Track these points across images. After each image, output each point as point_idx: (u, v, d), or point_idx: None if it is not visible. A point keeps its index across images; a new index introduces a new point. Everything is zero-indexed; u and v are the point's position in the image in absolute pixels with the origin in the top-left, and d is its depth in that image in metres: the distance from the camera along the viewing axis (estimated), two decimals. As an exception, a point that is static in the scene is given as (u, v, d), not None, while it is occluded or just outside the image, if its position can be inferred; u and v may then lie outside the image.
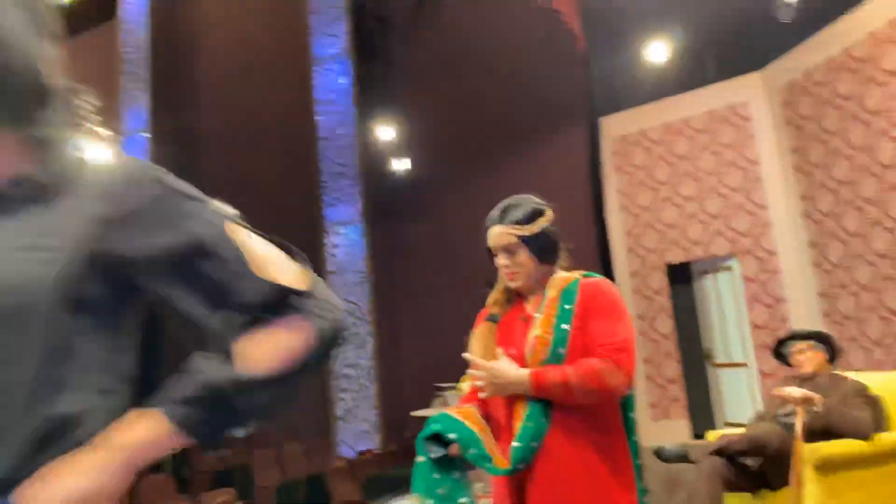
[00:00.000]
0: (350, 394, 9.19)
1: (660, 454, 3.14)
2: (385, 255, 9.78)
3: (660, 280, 7.50)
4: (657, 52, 7.13)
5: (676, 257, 7.42)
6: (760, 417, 3.35)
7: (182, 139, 11.00)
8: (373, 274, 9.43)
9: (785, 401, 2.98)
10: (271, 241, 0.82)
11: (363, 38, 10.14)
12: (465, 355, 1.53)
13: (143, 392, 0.74)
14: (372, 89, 10.06)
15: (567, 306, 1.51)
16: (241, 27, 10.96)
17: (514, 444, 1.44)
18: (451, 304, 8.82)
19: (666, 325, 7.38)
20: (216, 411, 0.69)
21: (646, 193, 7.65)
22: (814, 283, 6.54)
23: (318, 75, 10.19)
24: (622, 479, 1.45)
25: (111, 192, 0.73)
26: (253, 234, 0.83)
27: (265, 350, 0.72)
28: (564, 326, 1.49)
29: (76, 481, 0.64)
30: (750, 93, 7.09)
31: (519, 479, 1.45)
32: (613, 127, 7.95)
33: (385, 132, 9.48)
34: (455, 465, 1.48)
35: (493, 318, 1.63)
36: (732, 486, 2.99)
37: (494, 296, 1.67)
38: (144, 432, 0.68)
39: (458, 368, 5.80)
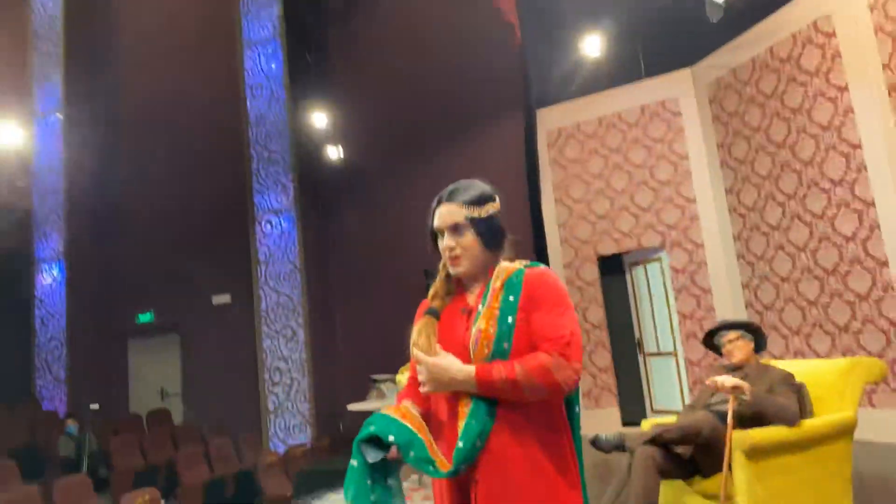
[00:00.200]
0: (282, 387, 8.96)
1: (595, 443, 3.15)
2: (318, 245, 9.56)
3: (592, 271, 7.62)
4: (592, 46, 7.21)
5: (608, 249, 7.57)
6: (692, 406, 3.42)
7: (99, 122, 10.38)
8: (305, 264, 9.20)
9: (717, 389, 3.04)
10: None
11: (296, 22, 9.84)
12: (414, 352, 1.44)
13: None
14: (305, 75, 9.78)
15: (512, 297, 1.45)
16: (166, 5, 10.43)
17: (458, 444, 1.36)
18: (386, 295, 8.72)
19: (597, 315, 7.52)
20: None
21: (579, 186, 7.76)
22: (738, 274, 6.80)
23: (249, 59, 9.83)
24: (568, 478, 1.40)
25: None
26: None
27: None
28: (510, 319, 1.43)
29: None
30: (680, 89, 7.28)
31: (461, 480, 1.38)
32: (549, 119, 8.02)
33: (319, 119, 9.23)
34: (391, 469, 1.39)
35: (433, 312, 1.54)
36: (666, 474, 3.05)
37: (435, 288, 1.58)
38: None
39: (394, 360, 5.71)
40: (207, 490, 6.81)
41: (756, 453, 2.87)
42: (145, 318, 10.20)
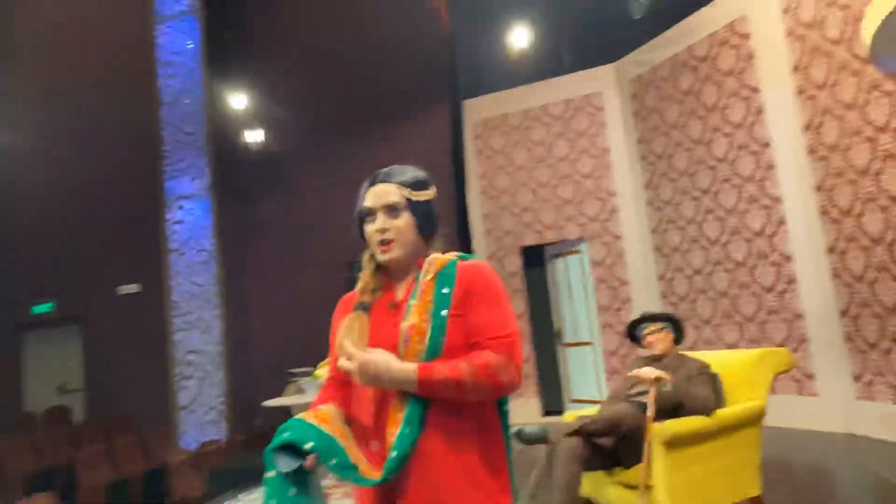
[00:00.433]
0: (194, 381, 8.54)
1: (520, 435, 3.12)
2: (234, 233, 9.15)
3: (515, 262, 7.67)
4: (520, 39, 7.22)
5: (531, 240, 7.63)
6: (613, 397, 3.45)
7: (-8, 96, 9.54)
8: (220, 253, 8.79)
9: (639, 380, 3.07)
10: None
11: (214, -3, 9.35)
12: (346, 347, 1.31)
13: None
14: (225, 53, 9.31)
15: (445, 290, 1.35)
16: (68, -28, 9.67)
17: (392, 454, 1.26)
18: (307, 286, 8.47)
19: (519, 306, 7.57)
20: None
21: (504, 177, 7.78)
22: (654, 266, 7.00)
23: (162, 34, 9.26)
24: (500, 480, 1.33)
25: None
26: None
27: None
28: (443, 313, 1.33)
29: None
30: (603, 84, 7.41)
31: (388, 487, 1.27)
32: (476, 110, 7.99)
33: (238, 101, 8.81)
34: (311, 478, 1.26)
35: (363, 307, 1.42)
36: (588, 466, 3.05)
37: (365, 281, 1.45)
38: None
39: (313, 354, 5.51)
40: (111, 491, 6.40)
41: (674, 444, 2.92)
42: (43, 308, 9.48)
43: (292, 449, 1.22)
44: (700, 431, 2.97)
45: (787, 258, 5.57)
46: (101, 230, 8.93)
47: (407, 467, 1.25)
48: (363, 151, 8.21)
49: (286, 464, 1.21)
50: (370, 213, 1.43)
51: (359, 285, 1.46)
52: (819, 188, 5.24)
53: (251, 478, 5.31)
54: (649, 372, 3.00)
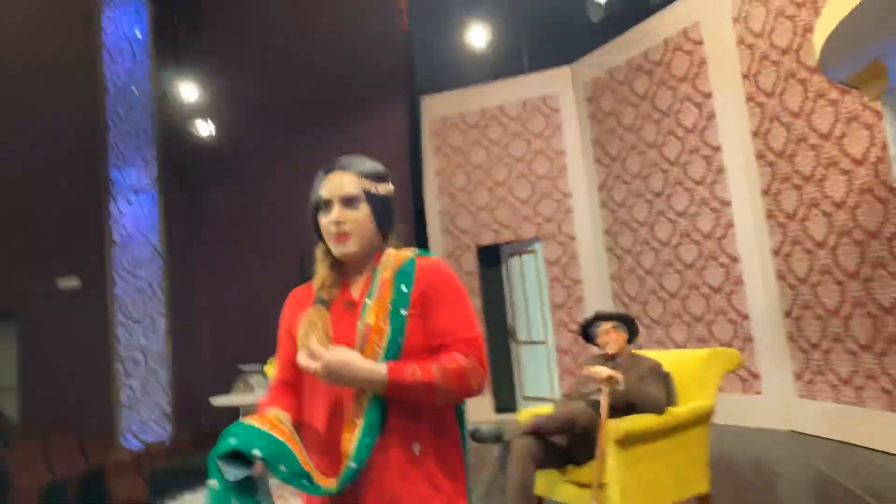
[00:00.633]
0: (137, 379, 8.25)
1: (475, 435, 3.11)
2: (182, 227, 8.88)
3: (471, 261, 7.67)
4: (478, 38, 7.20)
5: (487, 239, 7.64)
6: (567, 396, 3.46)
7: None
8: (167, 247, 8.51)
9: (592, 379, 3.09)
10: None
11: (164, -17, 9.05)
12: (311, 345, 1.22)
13: None
14: (174, 42, 9.01)
15: (404, 289, 1.30)
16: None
17: (351, 465, 1.19)
18: (256, 282, 8.28)
19: (475, 304, 7.55)
20: None
21: (461, 176, 7.76)
22: (607, 266, 7.10)
23: (108, 20, 8.91)
24: (458, 485, 1.29)
25: None
26: None
27: None
28: (402, 312, 1.27)
29: None
30: (560, 86, 7.47)
31: (342, 494, 1.21)
32: (434, 107, 7.95)
33: (188, 90, 8.53)
34: (260, 486, 1.18)
35: (324, 303, 1.34)
36: (542, 464, 3.05)
37: (322, 277, 1.37)
38: None
39: (262, 350, 5.36)
40: (46, 494, 6.11)
41: (626, 441, 2.94)
42: (-26, 302, 9.00)
43: (238, 455, 1.14)
44: (652, 430, 3.00)
45: (735, 260, 5.71)
46: (40, 221, 8.53)
47: (364, 474, 1.20)
48: (317, 146, 8.07)
49: (232, 473, 1.12)
50: (326, 204, 1.35)
51: (316, 280, 1.37)
52: (766, 192, 5.39)
53: (197, 479, 5.15)
54: (602, 370, 3.02)
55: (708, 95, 5.91)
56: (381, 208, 1.37)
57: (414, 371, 1.21)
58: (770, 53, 5.27)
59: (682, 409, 3.15)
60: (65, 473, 6.57)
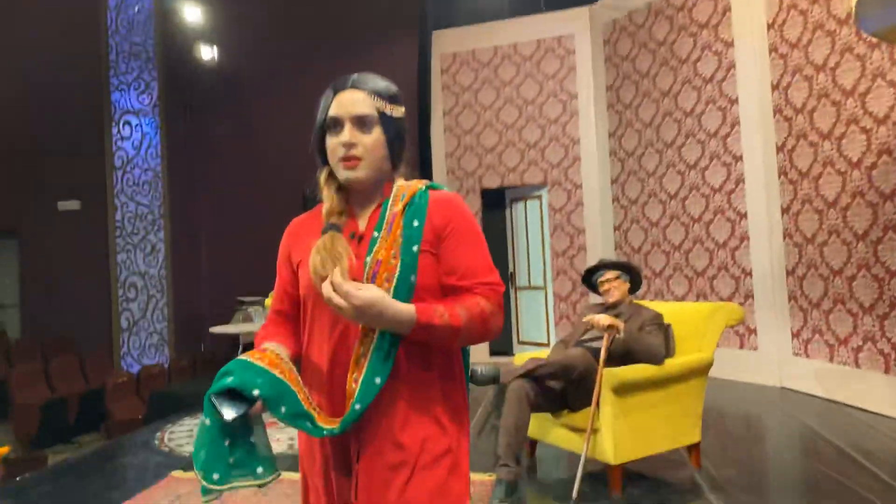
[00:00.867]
0: (137, 304, 8.30)
1: (473, 376, 3.10)
2: (184, 152, 8.75)
3: (475, 204, 7.59)
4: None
5: (493, 183, 7.54)
6: (564, 342, 3.46)
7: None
8: (168, 172, 8.41)
9: (593, 326, 3.07)
10: None
11: None
12: (335, 279, 1.08)
13: None
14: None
15: (416, 222, 1.20)
16: None
17: (356, 406, 1.12)
18: (258, 211, 8.21)
19: (476, 248, 7.53)
20: None
21: (470, 116, 7.59)
22: (611, 216, 7.02)
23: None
24: (462, 426, 1.24)
25: None
26: None
27: None
28: (414, 248, 1.18)
29: None
30: (577, 26, 7.21)
31: (342, 437, 1.17)
32: (445, 42, 7.70)
33: (192, 12, 8.25)
34: (253, 423, 1.12)
35: (336, 228, 1.22)
36: (536, 408, 3.07)
37: (331, 203, 1.24)
38: None
39: (263, 281, 5.34)
40: (45, 411, 6.23)
41: (622, 390, 2.95)
42: (-26, 219, 8.96)
43: (235, 393, 1.08)
44: (649, 379, 3.01)
45: (743, 216, 5.64)
46: (41, 142, 8.40)
47: (367, 415, 1.14)
48: (325, 76, 7.82)
49: (229, 411, 1.05)
50: (335, 124, 1.23)
51: (325, 205, 1.25)
52: (780, 148, 5.27)
53: (194, 403, 5.23)
54: (604, 319, 3.00)
55: (729, 44, 5.70)
56: (395, 133, 1.25)
57: (442, 314, 1.13)
58: (799, 2, 5.05)
59: (680, 361, 3.15)
60: (64, 392, 6.69)
